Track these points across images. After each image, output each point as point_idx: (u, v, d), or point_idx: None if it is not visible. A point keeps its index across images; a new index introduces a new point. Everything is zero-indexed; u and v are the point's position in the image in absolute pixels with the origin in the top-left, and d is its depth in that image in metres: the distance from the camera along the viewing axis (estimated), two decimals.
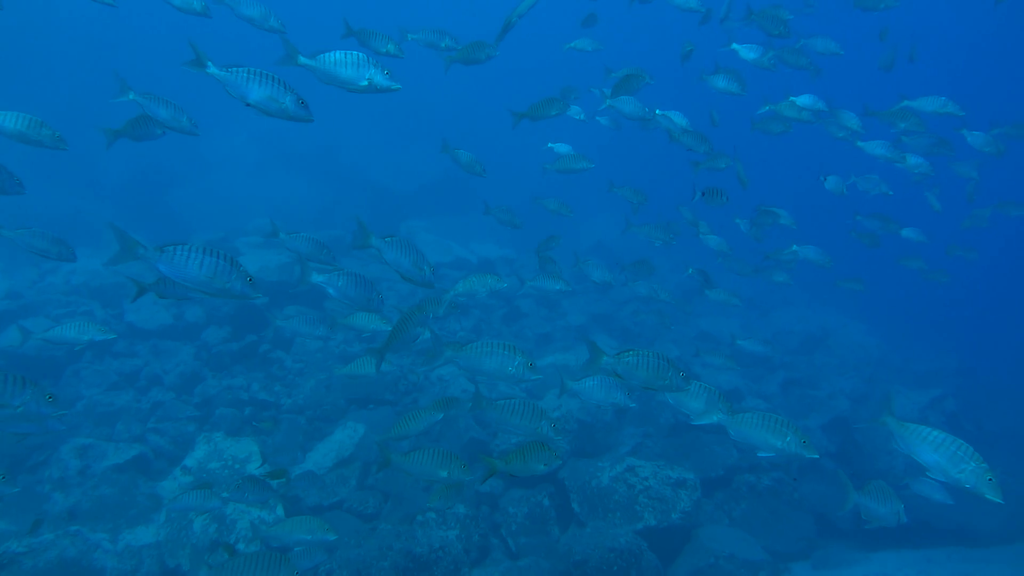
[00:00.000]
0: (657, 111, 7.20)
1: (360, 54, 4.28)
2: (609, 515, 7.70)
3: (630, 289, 9.21)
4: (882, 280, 10.19)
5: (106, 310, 13.32)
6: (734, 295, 10.34)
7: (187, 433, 10.04)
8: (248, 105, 4.00)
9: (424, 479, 5.16)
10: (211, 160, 24.74)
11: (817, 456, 4.36)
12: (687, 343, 14.78)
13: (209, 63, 3.99)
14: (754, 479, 8.88)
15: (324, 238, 6.62)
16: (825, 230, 13.61)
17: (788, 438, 4.21)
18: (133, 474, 8.25)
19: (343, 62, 4.29)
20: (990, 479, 3.49)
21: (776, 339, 16.54)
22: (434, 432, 10.07)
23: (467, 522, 7.89)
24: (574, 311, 15.19)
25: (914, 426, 3.72)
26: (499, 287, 6.50)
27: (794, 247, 8.58)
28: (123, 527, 7.59)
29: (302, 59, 4.30)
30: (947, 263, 10.70)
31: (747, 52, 7.16)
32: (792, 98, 7.02)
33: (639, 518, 7.59)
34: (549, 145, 8.79)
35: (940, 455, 3.58)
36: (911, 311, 23.08)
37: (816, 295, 21.61)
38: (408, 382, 11.53)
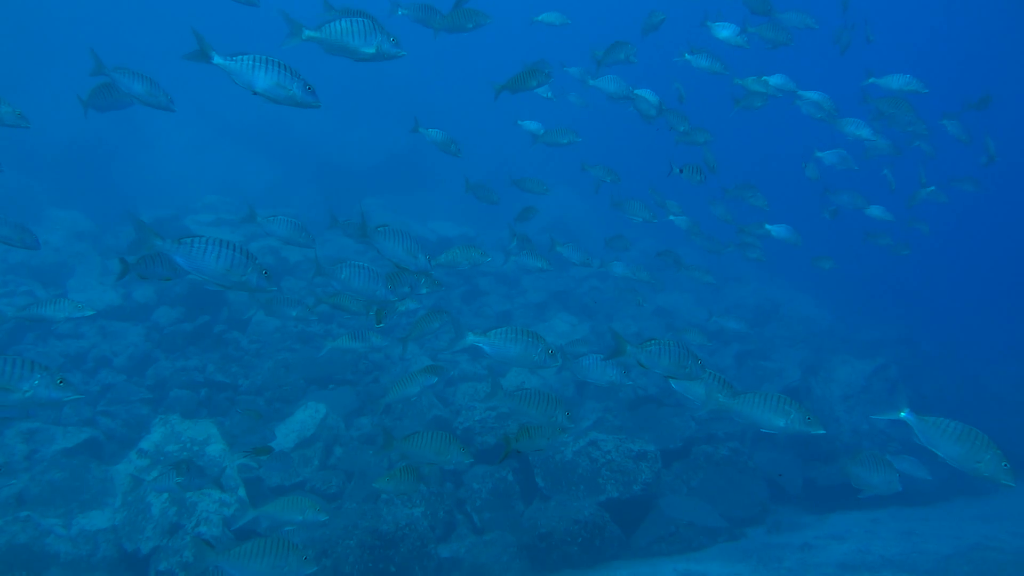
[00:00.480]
0: (636, 91, 7.20)
1: (367, 21, 4.14)
2: (573, 488, 7.81)
3: (606, 268, 9.21)
4: (831, 253, 10.41)
5: (47, 290, 12.83)
6: (707, 272, 10.58)
7: (140, 416, 9.79)
8: (256, 94, 3.89)
9: (425, 461, 5.12)
10: (151, 134, 23.85)
11: (823, 431, 4.30)
12: (645, 319, 15.00)
13: (214, 53, 3.85)
14: (711, 449, 9.11)
15: (303, 220, 6.45)
16: (789, 207, 13.88)
17: (792, 416, 4.21)
18: (85, 458, 8.00)
19: (350, 31, 4.14)
20: (1005, 465, 3.61)
21: (729, 313, 16.92)
22: (396, 410, 10.05)
23: (432, 499, 7.91)
24: (533, 288, 15.25)
25: (933, 420, 3.75)
26: (483, 260, 6.44)
27: (767, 226, 8.69)
28: (76, 512, 7.37)
29: (308, 32, 4.14)
30: (906, 236, 11.03)
31: (720, 30, 7.18)
32: (764, 77, 7.08)
33: (602, 490, 7.73)
34: (519, 122, 8.71)
35: (962, 447, 3.63)
36: (856, 284, 23.89)
37: (766, 269, 22.18)
38: (369, 361, 11.45)
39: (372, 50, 4.18)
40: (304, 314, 7.01)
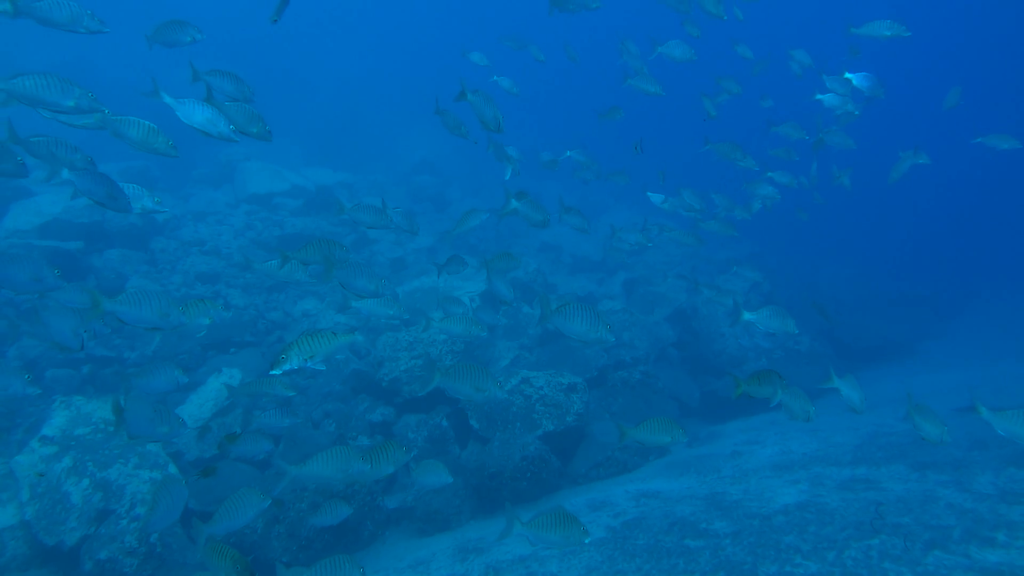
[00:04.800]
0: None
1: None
2: (509, 426, 8.00)
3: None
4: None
5: None
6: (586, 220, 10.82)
7: (15, 401, 8.81)
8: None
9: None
10: None
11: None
12: (533, 254, 15.31)
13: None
14: (626, 375, 9.63)
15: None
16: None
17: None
18: None
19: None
20: None
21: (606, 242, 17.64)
22: (310, 369, 9.69)
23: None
24: (421, 232, 15.02)
25: (1012, 412, 4.18)
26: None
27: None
28: None
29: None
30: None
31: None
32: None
33: (538, 425, 7.98)
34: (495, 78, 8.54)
35: None
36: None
37: (628, 199, 23.22)
38: (268, 321, 10.92)
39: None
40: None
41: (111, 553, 5.93)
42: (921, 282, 20.84)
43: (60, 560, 6.34)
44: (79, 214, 11.73)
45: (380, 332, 9.78)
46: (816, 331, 13.34)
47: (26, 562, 6.48)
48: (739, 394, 4.78)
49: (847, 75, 7.66)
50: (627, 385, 9.48)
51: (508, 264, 6.90)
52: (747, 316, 5.74)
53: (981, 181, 35.13)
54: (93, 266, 11.32)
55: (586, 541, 4.35)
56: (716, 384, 11.37)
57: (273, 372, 4.67)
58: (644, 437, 4.78)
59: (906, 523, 5.35)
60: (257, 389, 6.09)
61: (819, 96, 7.74)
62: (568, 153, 9.78)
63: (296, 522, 6.50)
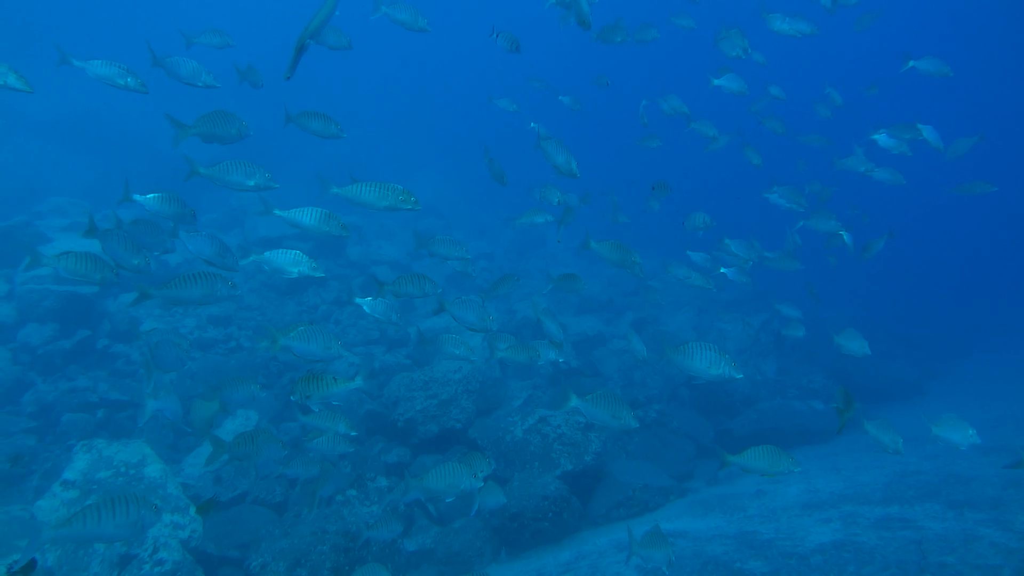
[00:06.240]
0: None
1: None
2: (527, 466, 7.95)
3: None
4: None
5: None
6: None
7: (28, 447, 8.78)
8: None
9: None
10: None
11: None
12: (544, 295, 15.38)
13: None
14: (642, 414, 9.61)
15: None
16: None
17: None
18: None
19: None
20: None
21: (613, 283, 17.75)
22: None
23: (387, 494, 7.76)
24: (432, 274, 15.10)
25: None
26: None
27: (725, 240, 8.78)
28: None
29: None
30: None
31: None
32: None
33: (556, 464, 7.93)
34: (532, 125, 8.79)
35: None
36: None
37: (638, 238, 23.40)
38: (280, 363, 10.93)
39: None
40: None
41: None
42: (926, 323, 20.93)
43: None
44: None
45: (393, 373, 9.79)
46: (829, 371, 13.33)
47: None
48: (844, 422, 4.70)
49: (919, 126, 7.72)
50: (643, 424, 9.45)
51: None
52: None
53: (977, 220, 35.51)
54: (107, 310, 11.37)
55: None
56: (730, 423, 11.32)
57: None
58: (751, 463, 4.48)
59: (951, 563, 5.27)
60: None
61: (874, 136, 7.84)
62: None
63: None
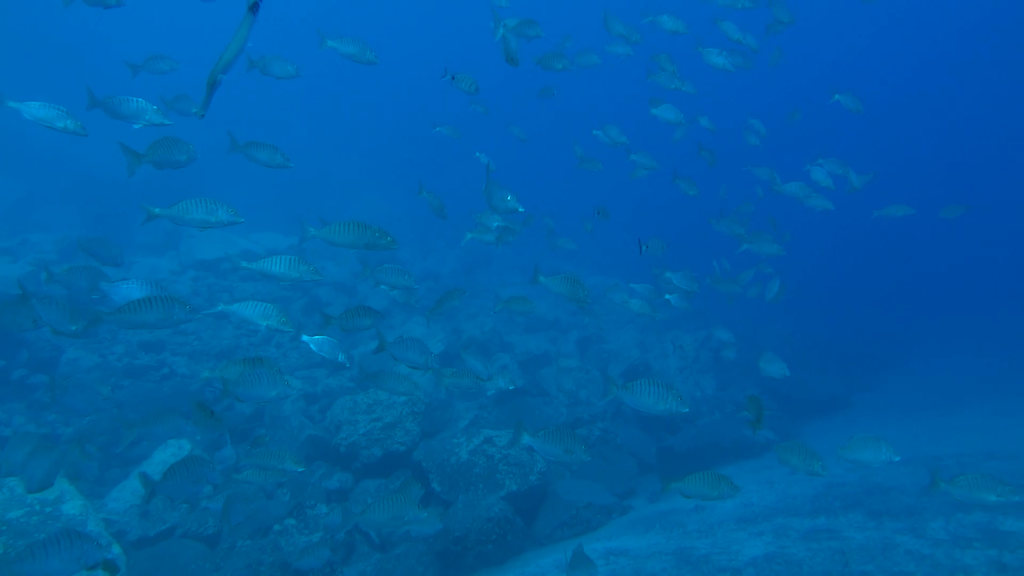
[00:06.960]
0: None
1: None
2: (472, 488, 7.87)
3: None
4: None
5: None
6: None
7: None
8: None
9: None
10: None
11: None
12: (492, 317, 15.35)
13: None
14: (586, 432, 9.63)
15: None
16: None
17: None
18: None
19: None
20: None
21: (559, 303, 17.85)
22: (264, 438, 9.37)
23: (327, 521, 7.55)
24: (373, 295, 14.94)
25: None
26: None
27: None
28: None
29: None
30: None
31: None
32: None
33: (501, 485, 7.87)
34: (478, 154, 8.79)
35: None
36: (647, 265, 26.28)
37: (573, 260, 23.67)
38: (216, 389, 10.57)
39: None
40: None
41: None
42: (858, 337, 21.72)
43: None
44: (11, 285, 11.27)
45: (336, 396, 9.59)
46: (764, 386, 13.67)
47: None
48: (757, 428, 4.77)
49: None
50: (587, 443, 9.46)
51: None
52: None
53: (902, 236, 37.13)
54: (26, 339, 10.82)
55: None
56: (671, 440, 11.45)
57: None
58: (691, 489, 4.51)
59: (870, 571, 5.45)
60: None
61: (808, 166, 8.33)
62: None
63: None
